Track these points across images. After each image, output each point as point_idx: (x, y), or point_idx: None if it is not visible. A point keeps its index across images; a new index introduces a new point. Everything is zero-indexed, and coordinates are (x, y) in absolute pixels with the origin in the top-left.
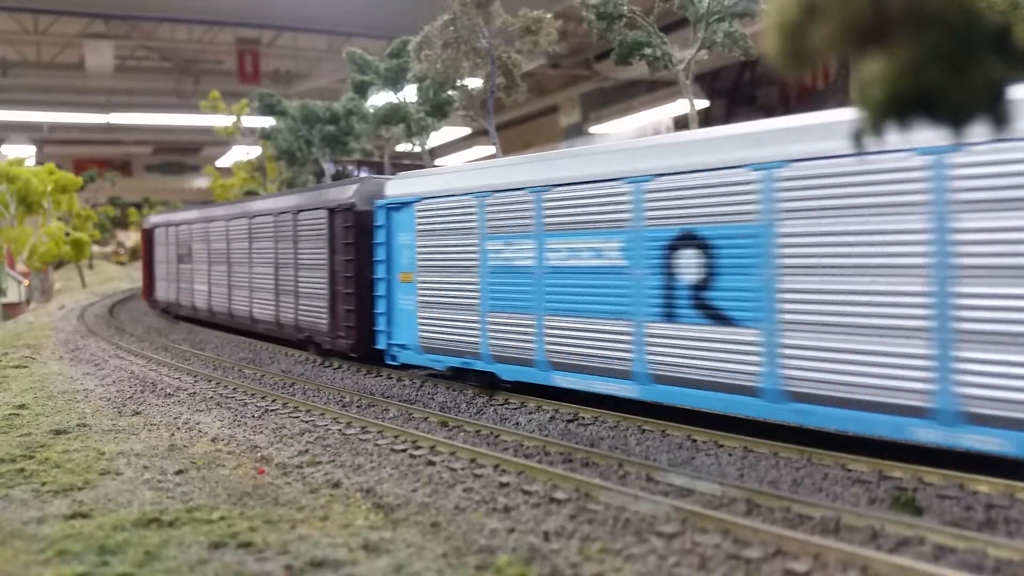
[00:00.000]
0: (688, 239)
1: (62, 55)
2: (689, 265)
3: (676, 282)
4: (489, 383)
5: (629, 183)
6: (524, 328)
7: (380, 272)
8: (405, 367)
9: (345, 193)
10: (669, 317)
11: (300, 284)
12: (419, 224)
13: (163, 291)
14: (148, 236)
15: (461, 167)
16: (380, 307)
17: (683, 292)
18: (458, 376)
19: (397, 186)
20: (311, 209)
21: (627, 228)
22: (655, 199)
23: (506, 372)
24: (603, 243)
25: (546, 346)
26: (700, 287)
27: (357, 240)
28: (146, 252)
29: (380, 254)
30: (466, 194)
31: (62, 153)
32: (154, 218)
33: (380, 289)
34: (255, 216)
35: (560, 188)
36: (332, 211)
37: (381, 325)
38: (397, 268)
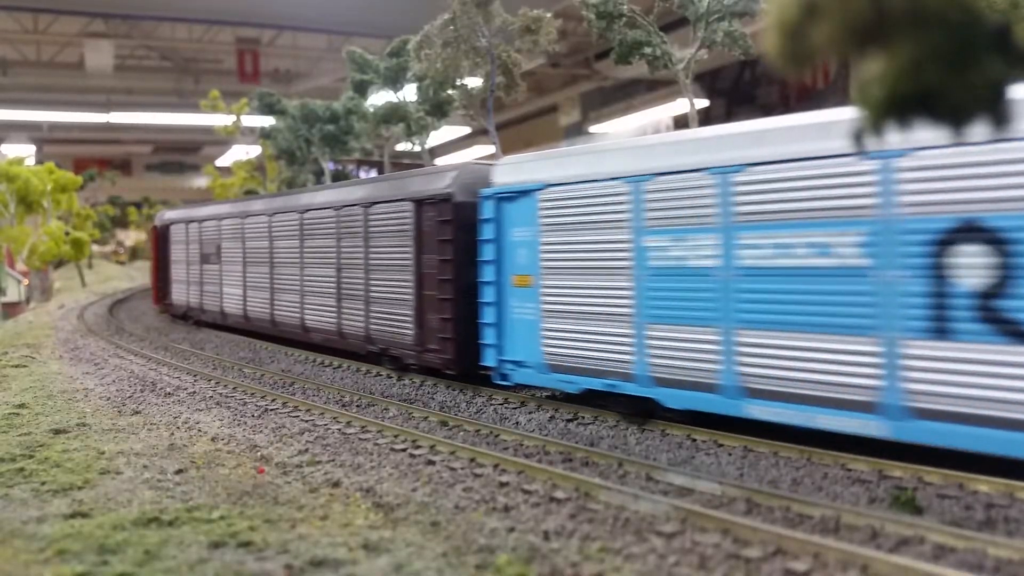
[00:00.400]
0: (970, 231)
1: (62, 54)
2: (972, 265)
3: (951, 288)
4: (643, 411)
5: (873, 160)
6: (703, 345)
7: (488, 274)
8: (520, 388)
9: (439, 182)
10: (940, 333)
11: (373, 288)
12: (544, 217)
13: (182, 295)
14: (162, 234)
15: (607, 145)
16: (488, 316)
17: (963, 301)
18: (595, 401)
19: (511, 172)
20: (390, 201)
21: (870, 218)
22: (916, 180)
23: (673, 399)
24: (831, 237)
25: (738, 368)
26: (990, 295)
27: (456, 237)
28: (158, 251)
29: (488, 253)
30: (614, 179)
31: (62, 152)
32: (170, 213)
33: (487, 295)
34: (308, 211)
35: (761, 168)
36: (420, 203)
37: (489, 338)
38: (510, 270)
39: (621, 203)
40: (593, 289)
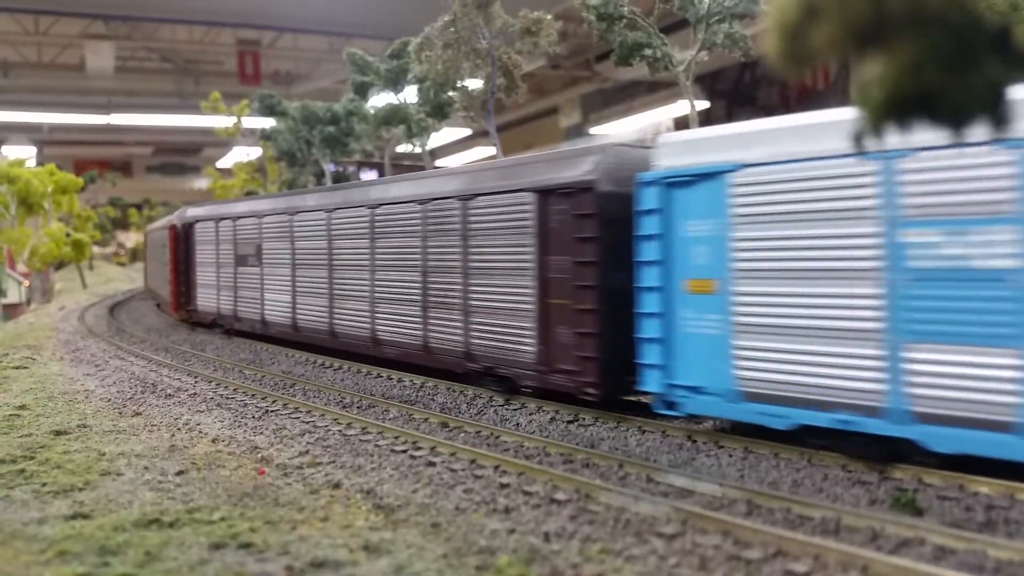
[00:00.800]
0: None
1: (62, 56)
2: None
3: None
4: (890, 454)
5: None
6: (997, 371)
7: (649, 279)
8: (693, 419)
9: (575, 168)
10: None
11: (474, 296)
12: (738, 205)
13: (210, 301)
14: (184, 233)
15: (840, 113)
16: (649, 330)
17: None
18: (810, 441)
19: (685, 150)
20: (500, 193)
21: None
22: None
23: (944, 440)
24: None
25: None
26: None
27: (600, 234)
28: (177, 253)
29: (650, 252)
30: (853, 155)
31: (63, 154)
32: (195, 210)
33: (649, 304)
34: (381, 205)
35: None
36: (546, 194)
37: (651, 357)
38: (682, 273)
39: (864, 187)
40: (817, 298)
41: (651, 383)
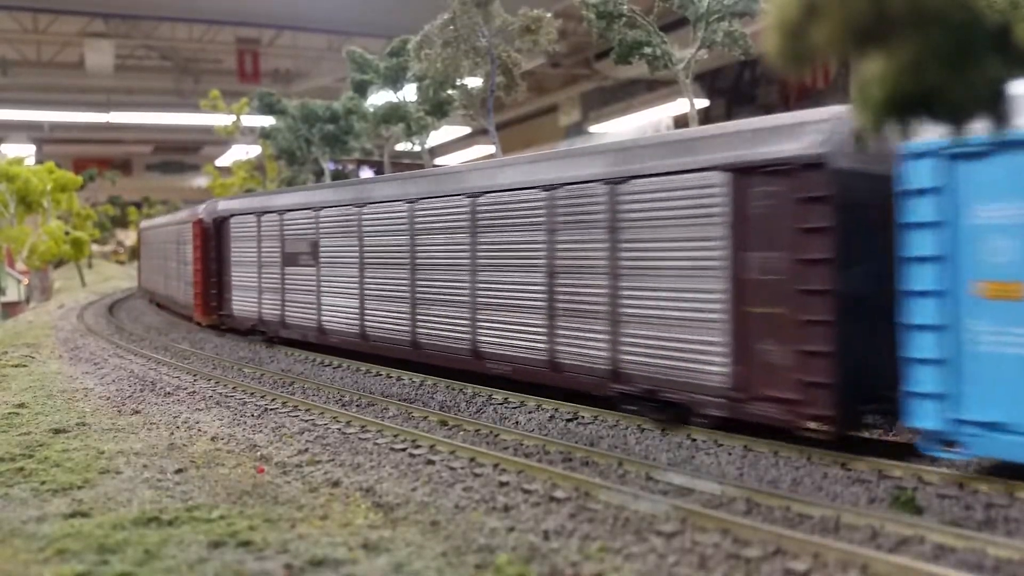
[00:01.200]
0: None
1: (62, 54)
2: None
3: None
4: None
5: None
6: None
7: (923, 280)
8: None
9: (795, 139)
10: None
11: (627, 302)
12: None
13: (249, 305)
14: (216, 230)
15: None
16: (923, 348)
17: None
18: None
19: None
20: (672, 174)
21: None
22: None
23: None
24: None
25: None
26: None
27: (836, 224)
28: (207, 251)
29: (924, 245)
30: None
31: (62, 152)
32: (229, 203)
33: (922, 313)
34: (487, 193)
35: None
36: (746, 173)
37: (924, 383)
38: (973, 272)
39: None
40: None
41: (925, 417)
